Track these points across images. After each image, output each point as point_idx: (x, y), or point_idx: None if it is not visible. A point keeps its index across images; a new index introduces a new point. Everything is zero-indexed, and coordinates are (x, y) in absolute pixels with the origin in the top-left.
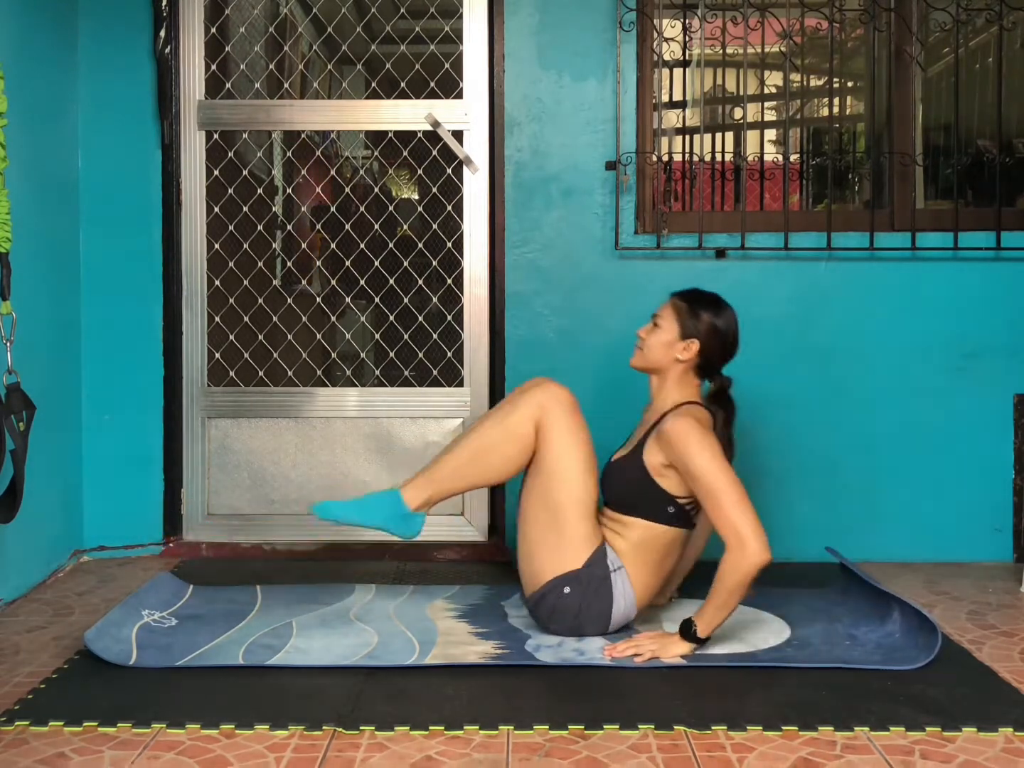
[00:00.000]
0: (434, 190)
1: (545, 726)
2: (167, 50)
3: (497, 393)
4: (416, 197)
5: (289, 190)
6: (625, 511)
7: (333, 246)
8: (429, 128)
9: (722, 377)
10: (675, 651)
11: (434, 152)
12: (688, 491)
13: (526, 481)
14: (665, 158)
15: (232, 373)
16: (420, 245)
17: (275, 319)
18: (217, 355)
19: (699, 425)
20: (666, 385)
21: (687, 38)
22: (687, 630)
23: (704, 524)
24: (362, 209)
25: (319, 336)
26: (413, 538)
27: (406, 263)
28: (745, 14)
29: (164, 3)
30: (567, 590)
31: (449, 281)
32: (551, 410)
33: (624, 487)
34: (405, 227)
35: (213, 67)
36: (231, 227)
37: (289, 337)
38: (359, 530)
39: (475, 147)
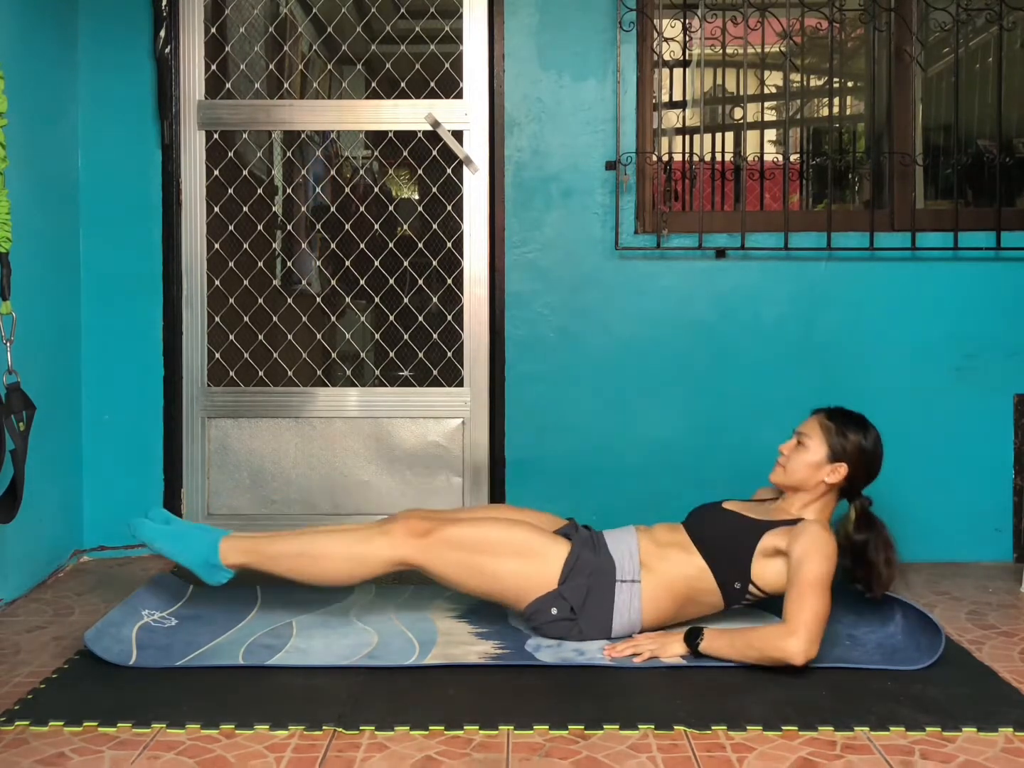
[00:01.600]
0: (434, 190)
1: (545, 726)
2: (167, 50)
3: (497, 393)
4: (416, 197)
5: (289, 190)
6: (701, 548)
7: (333, 246)
8: (429, 128)
9: (863, 498)
10: (674, 651)
11: (434, 152)
12: (764, 590)
13: (433, 576)
14: (665, 158)
15: (232, 373)
16: (420, 245)
17: (275, 319)
18: (217, 355)
19: (835, 547)
20: (809, 506)
21: (687, 38)
22: (692, 637)
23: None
24: (362, 209)
25: (319, 336)
26: (216, 586)
27: (406, 263)
28: (745, 14)
29: (164, 3)
30: (554, 611)
31: (449, 281)
32: (421, 561)
33: (722, 537)
34: (405, 227)
35: (213, 67)
36: (231, 227)
37: (289, 337)
38: None
39: (475, 147)
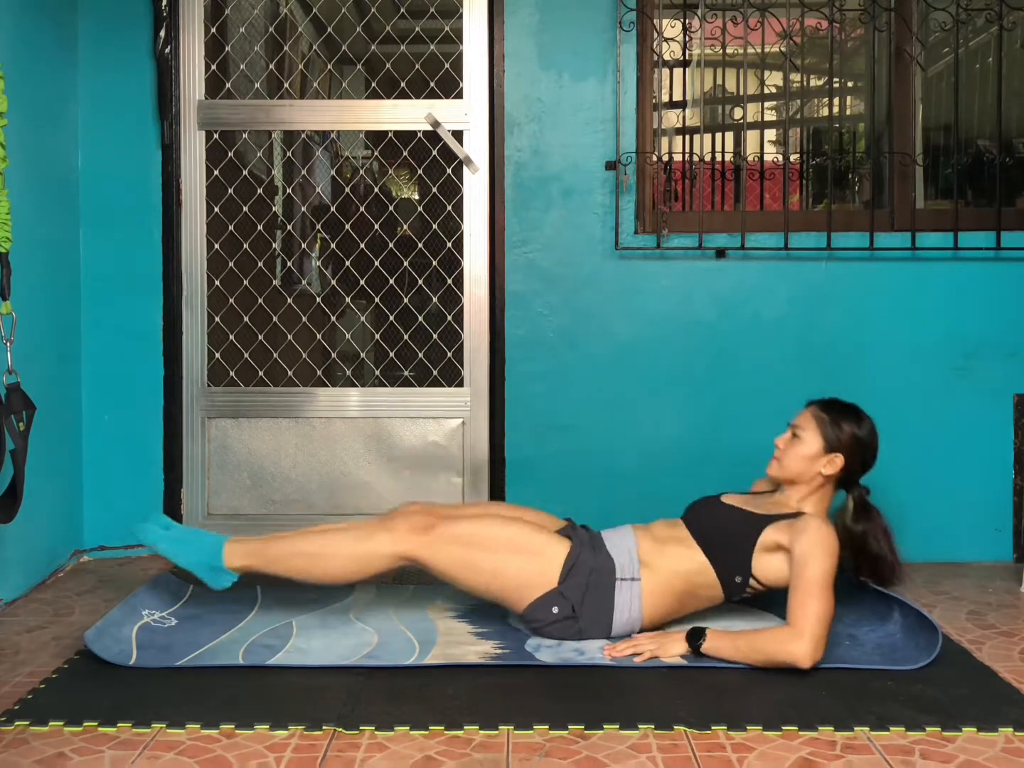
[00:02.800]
0: (434, 190)
1: (545, 726)
2: (167, 50)
3: (497, 393)
4: (416, 197)
5: (289, 190)
6: (700, 542)
7: (333, 246)
8: (429, 128)
9: (861, 488)
10: (674, 651)
11: (434, 152)
12: (766, 583)
13: (443, 576)
14: (665, 158)
15: (232, 373)
16: (420, 245)
17: (275, 319)
18: (217, 355)
19: (836, 543)
20: (807, 498)
21: (687, 38)
22: (694, 637)
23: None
24: (362, 209)
25: (319, 336)
26: (220, 591)
27: (406, 263)
28: (745, 14)
29: (164, 3)
30: (555, 610)
31: (449, 281)
32: (423, 556)
33: (721, 531)
34: (405, 227)
35: (213, 67)
36: (231, 227)
37: (289, 337)
38: None
39: (475, 147)
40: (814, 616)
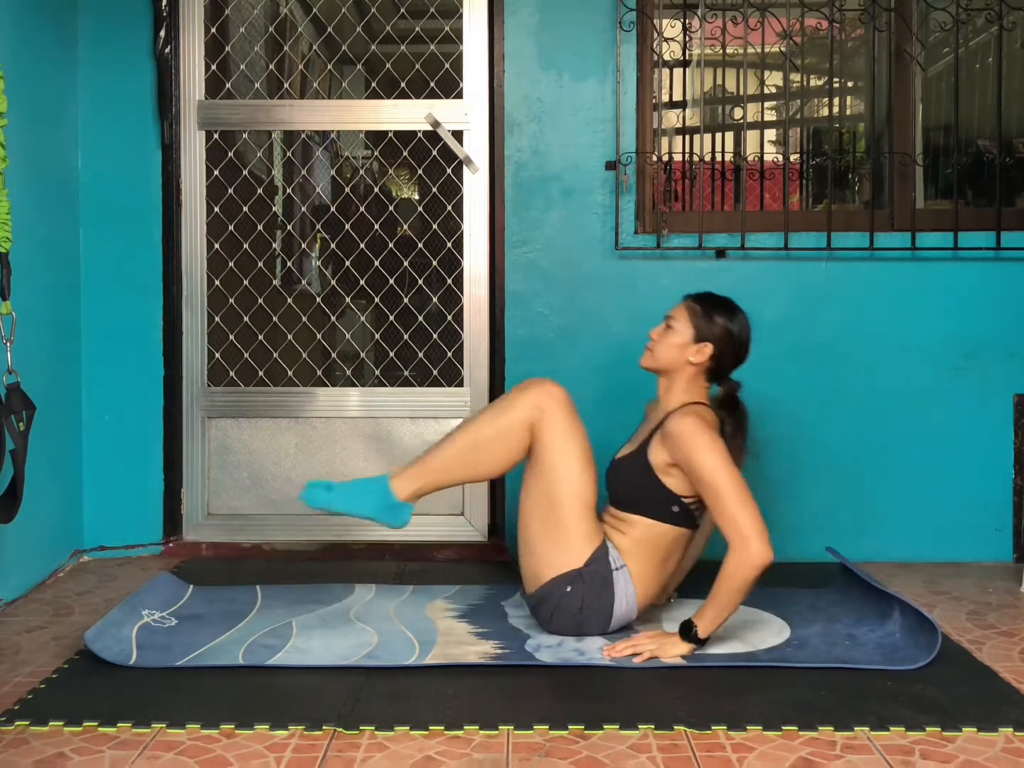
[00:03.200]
0: (434, 190)
1: (545, 726)
2: (167, 50)
3: (497, 393)
4: (416, 197)
5: (289, 190)
6: (629, 509)
7: (333, 246)
8: (429, 128)
9: (731, 382)
10: (674, 651)
11: (434, 152)
12: (693, 490)
13: (525, 481)
14: (665, 158)
15: (232, 373)
16: (420, 245)
17: (275, 319)
18: (217, 355)
19: (705, 424)
20: (674, 386)
21: (687, 38)
22: (687, 631)
23: (705, 524)
24: (362, 209)
25: (319, 336)
26: (402, 528)
27: (406, 263)
28: (745, 14)
29: (164, 3)
30: (569, 589)
31: (449, 281)
32: (548, 410)
33: (628, 485)
34: (405, 227)
35: (213, 67)
36: (231, 227)
37: (289, 337)
38: (359, 530)
39: (475, 147)
40: (739, 514)
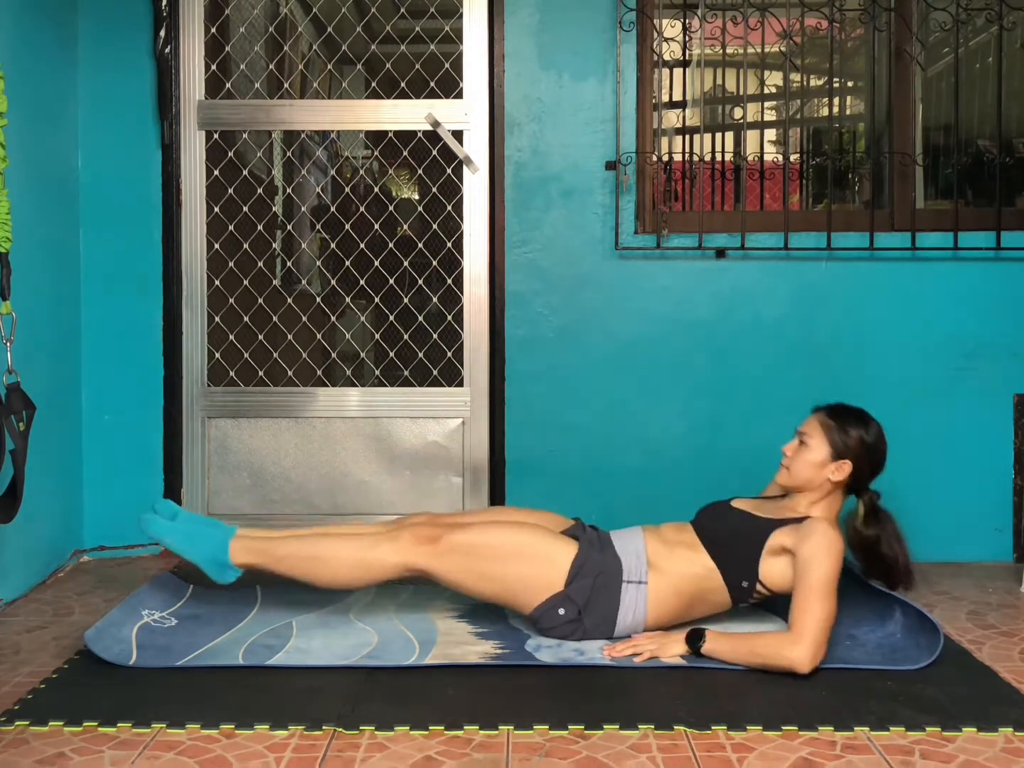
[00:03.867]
0: (434, 190)
1: (545, 726)
2: (167, 50)
3: (497, 393)
4: (416, 197)
5: (289, 190)
6: (708, 546)
7: (333, 246)
8: (429, 128)
9: (871, 493)
10: (674, 651)
11: (434, 152)
12: (771, 588)
13: (444, 580)
14: (665, 158)
15: (232, 373)
16: (420, 245)
17: (275, 319)
18: (217, 355)
19: (842, 547)
20: (813, 500)
21: (687, 38)
22: (694, 638)
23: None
24: (362, 209)
25: (319, 336)
26: (224, 585)
27: (406, 263)
28: (745, 14)
29: (164, 3)
30: (561, 612)
31: (449, 281)
32: (427, 566)
33: (730, 534)
34: (405, 227)
35: (213, 67)
36: (231, 227)
37: (289, 337)
38: None
39: (475, 147)
40: (814, 620)
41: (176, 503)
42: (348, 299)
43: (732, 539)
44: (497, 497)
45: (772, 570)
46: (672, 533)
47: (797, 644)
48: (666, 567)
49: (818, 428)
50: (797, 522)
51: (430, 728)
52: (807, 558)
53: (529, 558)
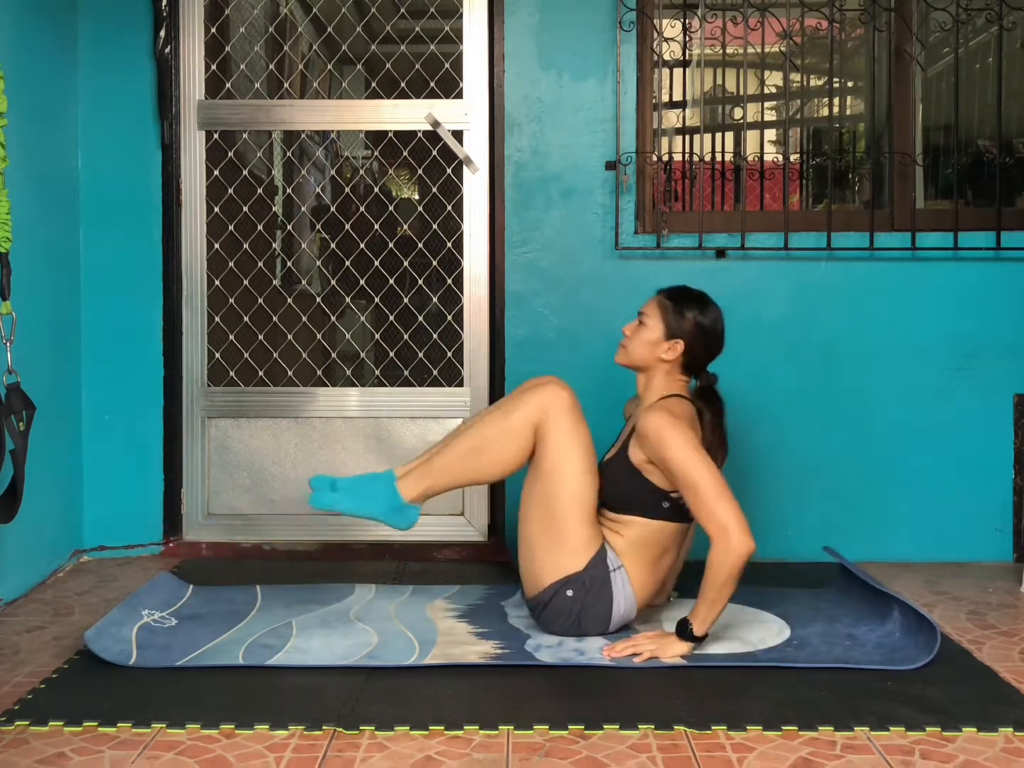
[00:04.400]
0: (434, 190)
1: (545, 726)
2: (167, 50)
3: (497, 393)
4: (416, 197)
5: (289, 190)
6: (621, 510)
7: (333, 246)
8: (429, 128)
9: (708, 375)
10: (674, 651)
11: (434, 152)
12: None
13: (527, 483)
14: (665, 158)
15: (232, 373)
16: (420, 245)
17: (275, 319)
18: (217, 355)
19: (673, 418)
20: (652, 383)
21: (687, 38)
22: (683, 630)
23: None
24: (362, 209)
25: (319, 336)
26: (408, 529)
27: (406, 263)
28: (745, 14)
29: (164, 3)
30: (569, 593)
31: (449, 281)
32: (552, 412)
33: (616, 487)
34: (405, 227)
35: (213, 67)
36: (231, 227)
37: (289, 337)
38: (359, 529)
39: (475, 147)
40: (715, 506)
41: (174, 507)
42: (348, 299)
43: (621, 488)
44: (497, 497)
45: (662, 480)
46: (603, 520)
47: (727, 538)
48: (621, 545)
49: (656, 309)
50: (633, 432)
51: (430, 728)
52: (662, 457)
53: (588, 513)
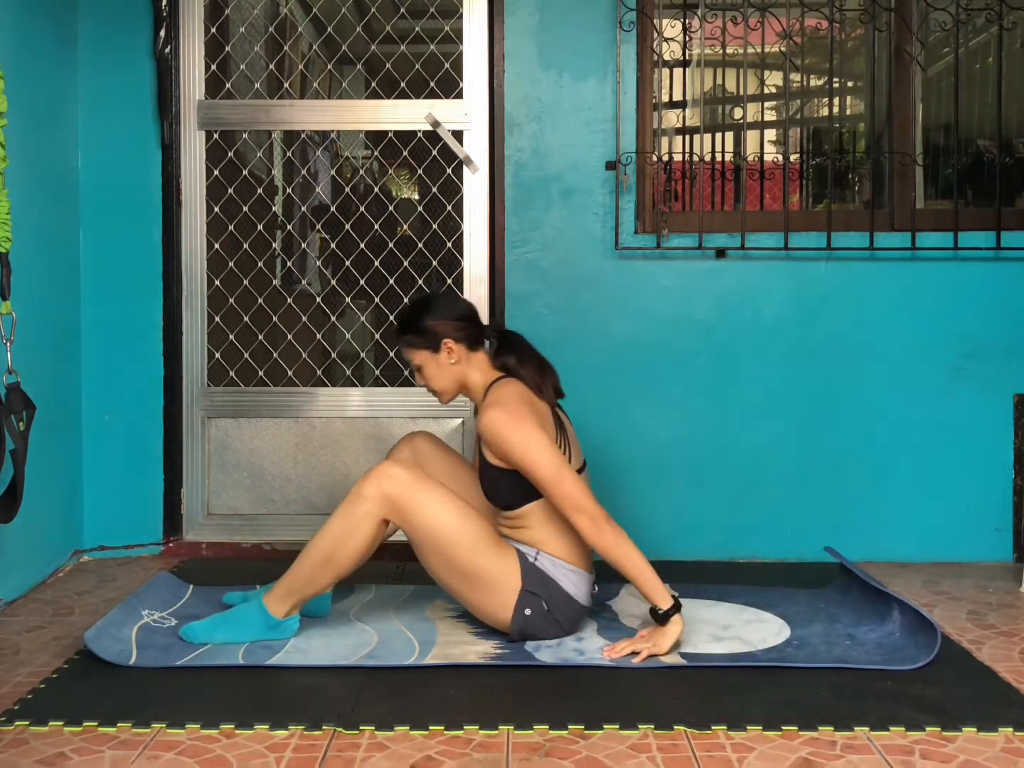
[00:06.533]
0: (434, 190)
1: (545, 726)
2: (167, 50)
3: None
4: (416, 197)
5: (289, 190)
6: (511, 507)
7: (333, 246)
8: (429, 128)
9: (488, 329)
10: (667, 640)
11: (434, 152)
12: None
13: (420, 557)
14: (665, 158)
15: (232, 373)
16: (420, 245)
17: (275, 319)
18: (217, 355)
19: (503, 412)
20: (471, 386)
21: (687, 38)
22: (656, 615)
23: None
24: (362, 209)
25: (319, 336)
26: (292, 637)
27: (406, 263)
28: (745, 14)
29: (164, 3)
30: (528, 611)
31: (449, 281)
32: (395, 497)
33: (495, 488)
34: (405, 227)
35: (213, 67)
36: (231, 227)
37: (289, 337)
38: None
39: (475, 147)
40: (567, 496)
41: (174, 507)
42: (348, 299)
43: (499, 490)
44: None
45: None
46: (501, 520)
47: (599, 525)
48: (528, 536)
49: (408, 351)
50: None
51: (430, 728)
52: (507, 457)
53: (487, 542)
